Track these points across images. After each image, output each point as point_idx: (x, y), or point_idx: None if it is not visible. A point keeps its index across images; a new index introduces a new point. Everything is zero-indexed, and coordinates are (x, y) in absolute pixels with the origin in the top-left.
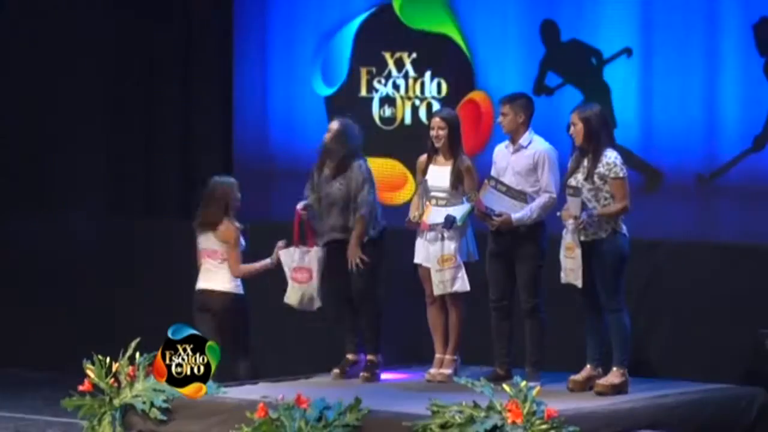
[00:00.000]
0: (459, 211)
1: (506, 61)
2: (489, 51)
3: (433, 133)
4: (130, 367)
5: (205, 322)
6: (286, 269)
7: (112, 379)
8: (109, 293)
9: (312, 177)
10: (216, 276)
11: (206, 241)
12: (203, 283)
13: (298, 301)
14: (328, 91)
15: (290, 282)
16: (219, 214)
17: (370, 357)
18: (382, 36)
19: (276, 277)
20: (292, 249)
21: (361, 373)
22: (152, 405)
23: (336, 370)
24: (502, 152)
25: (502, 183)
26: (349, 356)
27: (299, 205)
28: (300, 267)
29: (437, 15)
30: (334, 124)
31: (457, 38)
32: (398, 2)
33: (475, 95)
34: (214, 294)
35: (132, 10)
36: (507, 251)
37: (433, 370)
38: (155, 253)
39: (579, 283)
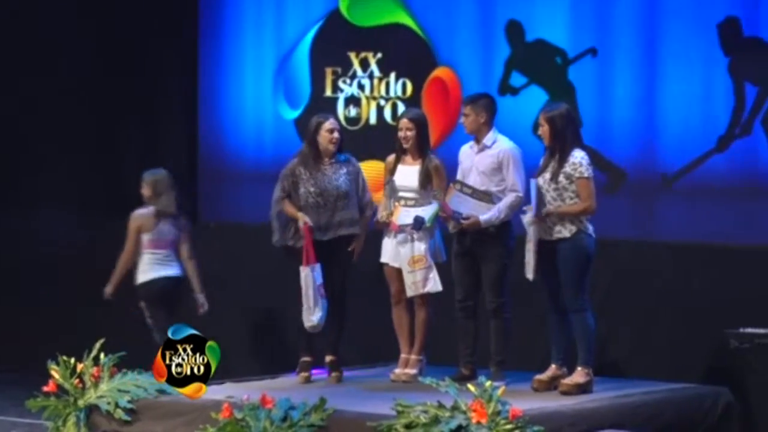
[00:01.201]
0: (428, 211)
1: (461, 37)
2: (444, 32)
3: (401, 134)
4: (95, 368)
5: (162, 309)
6: (311, 291)
7: (77, 380)
8: (74, 293)
9: (295, 173)
10: (173, 263)
11: (164, 231)
12: (160, 271)
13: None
14: (293, 114)
15: (320, 301)
16: (175, 202)
17: (333, 357)
18: (335, 44)
19: (245, 277)
20: (310, 267)
21: (333, 374)
22: (117, 405)
23: (304, 374)
24: (466, 152)
25: (467, 185)
26: (308, 358)
27: (306, 223)
28: (322, 282)
29: (386, 7)
30: (335, 123)
31: (411, 24)
32: (345, 4)
33: (439, 72)
34: (173, 280)
35: (100, 19)
36: (472, 251)
37: (398, 370)
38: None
39: (530, 276)
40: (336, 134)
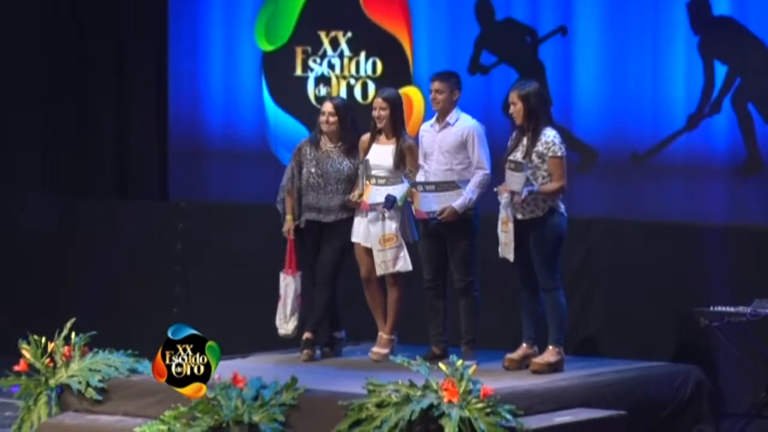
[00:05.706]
0: (399, 190)
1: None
2: None
3: (375, 113)
4: (66, 347)
5: None
6: (289, 300)
7: (48, 359)
8: (45, 272)
9: (302, 152)
10: None
11: None
12: None
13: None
14: None
15: (297, 313)
16: None
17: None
18: (289, 77)
19: (215, 257)
20: (290, 277)
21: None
22: (88, 385)
23: (307, 351)
24: (428, 132)
25: (428, 183)
26: (308, 335)
27: (290, 231)
28: (301, 292)
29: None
30: (329, 106)
31: None
32: (260, 36)
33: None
34: None
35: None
36: (440, 230)
37: (375, 348)
38: (91, 232)
39: (511, 257)
40: (330, 118)
